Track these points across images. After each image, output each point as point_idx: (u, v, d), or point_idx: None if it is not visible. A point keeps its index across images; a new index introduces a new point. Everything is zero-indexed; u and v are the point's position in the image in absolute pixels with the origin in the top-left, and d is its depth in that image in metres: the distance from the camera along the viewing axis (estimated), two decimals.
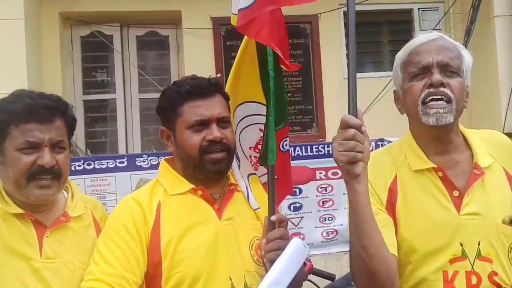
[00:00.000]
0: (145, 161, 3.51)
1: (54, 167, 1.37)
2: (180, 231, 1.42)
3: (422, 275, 1.30)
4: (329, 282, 2.58)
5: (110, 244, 1.40)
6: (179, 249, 1.40)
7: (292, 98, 4.82)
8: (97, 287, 1.34)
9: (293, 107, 4.85)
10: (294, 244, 1.36)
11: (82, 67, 4.73)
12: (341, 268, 3.41)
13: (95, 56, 4.77)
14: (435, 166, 1.33)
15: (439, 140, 1.35)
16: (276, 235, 1.43)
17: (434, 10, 5.06)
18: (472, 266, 1.27)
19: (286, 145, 1.64)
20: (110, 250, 1.39)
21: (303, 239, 3.42)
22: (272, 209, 1.50)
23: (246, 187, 1.59)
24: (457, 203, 1.31)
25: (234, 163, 1.60)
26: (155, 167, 3.31)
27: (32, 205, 1.39)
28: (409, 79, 1.34)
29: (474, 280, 1.27)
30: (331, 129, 4.61)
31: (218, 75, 4.85)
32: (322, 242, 3.75)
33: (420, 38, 1.39)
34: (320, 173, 3.74)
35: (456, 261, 1.28)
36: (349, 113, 1.21)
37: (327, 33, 4.81)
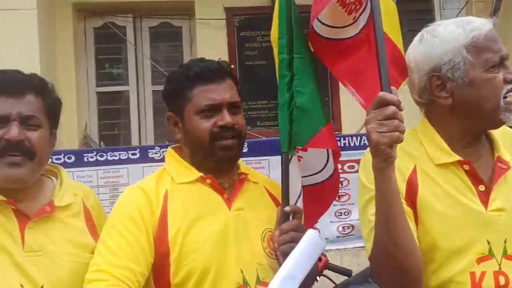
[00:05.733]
0: (157, 153, 3.44)
1: (24, 143, 1.27)
2: (188, 222, 1.36)
3: (448, 275, 1.20)
4: (345, 278, 2.51)
5: (115, 234, 1.33)
6: (187, 240, 1.34)
7: None
8: (102, 278, 1.27)
9: None
10: (310, 236, 1.27)
11: (96, 59, 4.70)
12: (357, 264, 3.32)
13: (108, 47, 4.73)
14: (461, 159, 1.24)
15: (476, 135, 1.28)
16: (289, 226, 1.36)
17: None
18: (500, 265, 1.19)
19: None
20: (115, 240, 1.32)
21: None
22: (286, 200, 1.42)
23: None
24: (484, 198, 1.22)
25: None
26: None
27: (11, 191, 1.29)
28: (488, 68, 1.23)
29: (502, 280, 1.19)
30: (348, 123, 4.50)
31: (232, 66, 4.77)
32: (337, 237, 3.65)
33: (483, 22, 1.28)
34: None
35: (483, 260, 1.19)
36: (382, 90, 1.12)
37: None
